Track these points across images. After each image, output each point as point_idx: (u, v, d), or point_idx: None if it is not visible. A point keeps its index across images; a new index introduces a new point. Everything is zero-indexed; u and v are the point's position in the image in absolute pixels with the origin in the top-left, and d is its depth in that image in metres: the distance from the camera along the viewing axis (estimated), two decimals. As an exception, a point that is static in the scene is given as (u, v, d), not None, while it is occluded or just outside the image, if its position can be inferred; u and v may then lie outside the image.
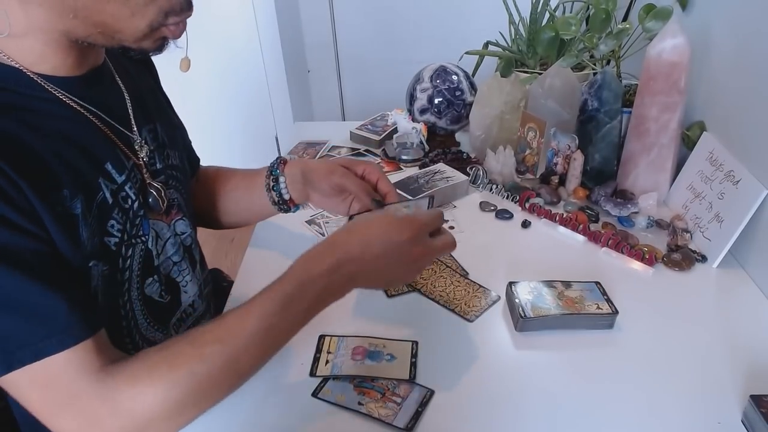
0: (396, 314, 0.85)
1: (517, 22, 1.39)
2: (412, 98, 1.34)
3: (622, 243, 0.96)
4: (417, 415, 0.67)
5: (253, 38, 2.33)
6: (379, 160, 1.30)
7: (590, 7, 1.22)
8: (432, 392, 0.71)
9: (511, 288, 0.84)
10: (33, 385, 0.53)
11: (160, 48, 0.60)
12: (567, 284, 0.85)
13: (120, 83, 0.71)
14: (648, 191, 1.09)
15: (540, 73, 1.25)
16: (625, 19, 1.45)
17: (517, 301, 0.81)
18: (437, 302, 0.86)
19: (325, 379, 0.73)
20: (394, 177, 1.14)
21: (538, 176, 1.18)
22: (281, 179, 0.86)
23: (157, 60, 0.73)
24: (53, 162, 0.57)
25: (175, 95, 0.88)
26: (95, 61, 0.65)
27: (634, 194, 1.10)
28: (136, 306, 0.70)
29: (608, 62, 1.33)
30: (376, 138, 1.36)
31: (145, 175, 0.71)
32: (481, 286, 0.89)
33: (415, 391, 0.71)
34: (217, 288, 0.96)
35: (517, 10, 1.40)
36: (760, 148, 0.89)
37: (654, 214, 1.06)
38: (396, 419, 0.67)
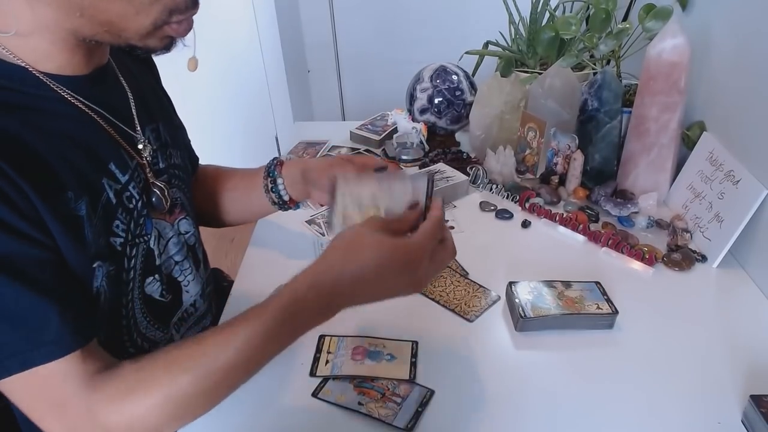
0: (396, 314, 0.85)
1: (517, 22, 1.39)
2: (412, 98, 1.34)
3: (622, 243, 0.96)
4: (417, 415, 0.67)
5: (253, 38, 2.33)
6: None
7: (590, 7, 1.22)
8: (432, 392, 0.71)
9: (511, 288, 0.84)
10: (21, 391, 0.55)
11: (167, 47, 0.60)
12: (567, 284, 0.85)
13: (123, 83, 0.71)
14: (648, 191, 1.09)
15: (540, 73, 1.25)
16: (625, 19, 1.45)
17: (517, 301, 0.81)
18: (437, 302, 0.86)
19: (325, 379, 0.73)
20: (394, 177, 1.14)
21: (538, 176, 1.18)
22: (279, 181, 0.86)
23: (158, 59, 0.73)
24: (57, 163, 0.57)
25: (175, 95, 0.88)
26: (100, 60, 0.66)
27: (634, 194, 1.10)
28: (136, 305, 0.70)
29: (608, 62, 1.33)
30: (376, 138, 1.36)
31: (149, 175, 0.71)
32: (481, 286, 0.89)
33: (415, 391, 0.71)
34: (217, 288, 0.96)
35: (517, 10, 1.40)
36: (760, 148, 0.89)
37: (654, 214, 1.06)
38: (396, 419, 0.67)
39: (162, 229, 0.73)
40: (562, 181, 1.15)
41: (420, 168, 1.23)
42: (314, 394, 0.71)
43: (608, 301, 0.82)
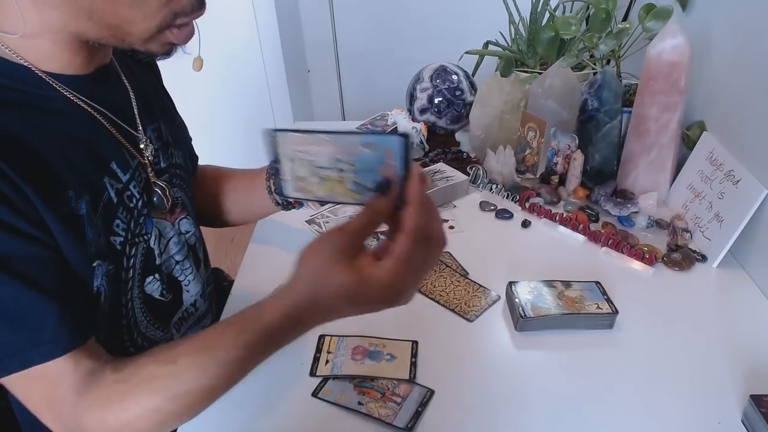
0: (396, 314, 0.84)
1: (517, 22, 1.39)
2: (412, 98, 1.34)
3: (622, 243, 0.96)
4: (417, 415, 0.67)
5: (253, 38, 2.33)
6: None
7: (590, 6, 1.22)
8: (432, 392, 0.71)
9: (511, 288, 0.84)
10: (20, 388, 0.56)
11: (168, 52, 0.61)
12: (567, 284, 0.85)
13: (125, 82, 0.71)
14: (648, 191, 1.09)
15: (540, 73, 1.25)
16: (625, 19, 1.45)
17: (517, 300, 0.81)
18: (437, 302, 0.86)
19: (325, 379, 0.73)
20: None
21: (538, 176, 1.18)
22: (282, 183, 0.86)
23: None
24: (58, 163, 0.57)
25: (175, 95, 0.88)
26: (102, 60, 0.66)
27: (634, 194, 1.10)
28: (136, 304, 0.70)
29: (608, 62, 1.33)
30: (376, 138, 1.36)
31: (150, 175, 0.71)
32: (481, 286, 0.89)
33: (415, 391, 0.71)
34: (217, 287, 0.96)
35: (517, 10, 1.40)
36: (760, 148, 0.89)
37: (654, 214, 1.06)
38: (396, 419, 0.67)
39: (163, 228, 0.73)
40: (562, 181, 1.15)
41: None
42: (314, 394, 0.71)
43: (608, 301, 0.82)
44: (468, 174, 1.16)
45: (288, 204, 0.87)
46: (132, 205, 0.66)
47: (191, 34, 0.60)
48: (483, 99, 1.24)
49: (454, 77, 1.30)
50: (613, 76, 1.08)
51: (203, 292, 0.82)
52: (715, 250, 0.94)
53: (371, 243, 0.58)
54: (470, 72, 1.38)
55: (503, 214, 1.08)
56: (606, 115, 1.08)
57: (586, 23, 1.27)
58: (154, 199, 0.70)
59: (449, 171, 1.16)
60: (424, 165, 1.25)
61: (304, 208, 0.91)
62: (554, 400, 0.70)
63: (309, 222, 1.06)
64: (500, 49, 1.42)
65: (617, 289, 0.86)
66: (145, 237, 0.69)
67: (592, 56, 1.34)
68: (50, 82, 0.59)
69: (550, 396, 0.71)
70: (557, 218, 1.04)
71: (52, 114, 0.59)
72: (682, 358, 0.76)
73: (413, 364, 0.75)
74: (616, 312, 0.80)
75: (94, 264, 0.60)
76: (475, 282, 0.90)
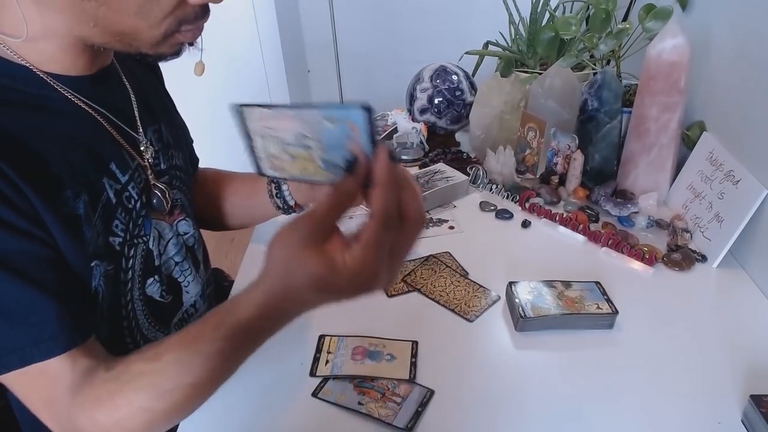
0: (396, 314, 0.85)
1: (517, 22, 1.39)
2: (412, 98, 1.34)
3: (622, 243, 0.96)
4: (417, 415, 0.67)
5: (253, 38, 2.33)
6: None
7: (590, 7, 1.22)
8: (432, 392, 0.71)
9: (511, 288, 0.84)
10: (19, 386, 0.56)
11: (177, 53, 0.60)
12: (567, 284, 0.85)
13: (126, 83, 0.71)
14: (648, 191, 1.09)
15: (540, 73, 1.25)
16: (625, 19, 1.45)
17: (517, 301, 0.81)
18: (437, 302, 0.86)
19: (325, 379, 0.73)
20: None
21: (538, 176, 1.18)
22: (284, 187, 0.86)
23: (159, 59, 0.73)
24: (57, 162, 0.57)
25: (176, 95, 0.88)
26: (104, 61, 0.66)
27: (634, 194, 1.10)
28: (138, 306, 0.70)
29: (608, 62, 1.33)
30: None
31: (150, 176, 0.71)
32: (481, 286, 0.89)
33: (415, 391, 0.71)
34: (217, 288, 0.96)
35: (517, 10, 1.40)
36: (760, 148, 0.89)
37: (654, 214, 1.06)
38: (396, 419, 0.67)
39: (162, 229, 0.73)
40: (562, 181, 1.15)
41: (420, 168, 1.23)
42: (314, 394, 0.71)
43: (608, 301, 0.82)
44: (468, 174, 1.16)
45: (289, 208, 0.87)
46: (131, 206, 0.66)
47: (199, 33, 0.60)
48: (483, 99, 1.24)
49: (454, 77, 1.30)
50: (613, 76, 1.08)
51: (203, 293, 0.82)
52: (715, 250, 0.94)
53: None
54: (470, 72, 1.38)
55: (503, 215, 1.08)
56: (606, 115, 1.08)
57: (586, 23, 1.27)
58: (154, 201, 0.70)
59: (449, 171, 1.16)
60: (424, 165, 1.25)
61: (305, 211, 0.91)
62: (554, 400, 0.70)
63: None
64: (500, 50, 1.42)
65: (617, 289, 0.86)
66: (144, 238, 0.69)
67: (592, 56, 1.34)
68: (51, 82, 0.59)
69: (550, 396, 0.71)
70: (557, 218, 1.04)
71: (52, 114, 0.59)
72: (682, 358, 0.76)
73: (413, 364, 0.75)
74: (616, 312, 0.80)
75: (92, 264, 0.61)
76: (475, 282, 0.90)
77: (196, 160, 0.94)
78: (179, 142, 0.82)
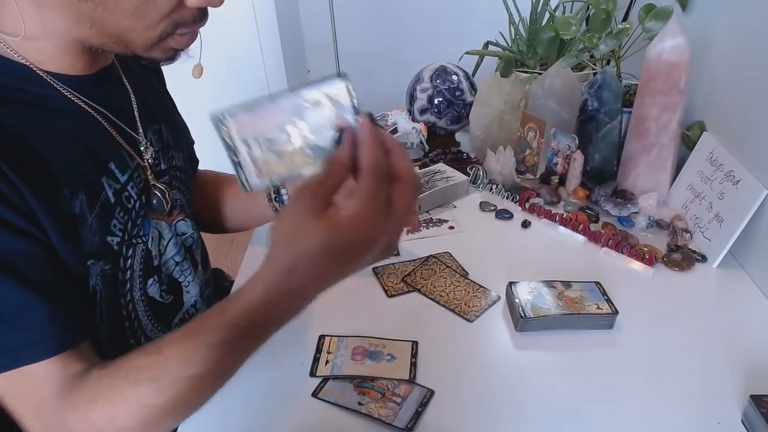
0: (396, 314, 0.85)
1: (517, 22, 1.39)
2: (412, 98, 1.34)
3: (622, 243, 0.96)
4: (417, 415, 0.67)
5: (253, 38, 2.33)
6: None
7: (590, 7, 1.22)
8: (432, 392, 0.71)
9: (511, 288, 0.84)
10: (6, 389, 0.55)
11: (171, 58, 0.60)
12: (567, 284, 0.85)
13: (127, 84, 0.71)
14: (648, 191, 1.09)
15: (540, 73, 1.25)
16: (625, 19, 1.45)
17: (517, 301, 0.81)
18: (437, 302, 0.86)
19: (325, 379, 0.73)
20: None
21: (538, 176, 1.18)
22: (282, 191, 0.86)
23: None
24: (55, 161, 0.57)
25: (176, 95, 0.89)
26: (104, 61, 0.66)
27: (634, 194, 1.10)
28: (139, 306, 0.70)
29: (608, 62, 1.33)
30: (376, 138, 1.36)
31: (150, 177, 0.71)
32: (481, 286, 0.89)
33: (415, 391, 0.71)
34: (218, 288, 0.96)
35: (517, 10, 1.40)
36: (760, 148, 0.89)
37: (654, 214, 1.06)
38: (396, 419, 0.67)
39: (161, 230, 0.73)
40: (562, 181, 1.15)
41: (420, 168, 1.23)
42: (314, 394, 0.71)
43: (608, 301, 0.82)
44: (468, 174, 1.16)
45: None
46: (130, 206, 0.66)
47: (193, 39, 0.60)
48: (483, 99, 1.24)
49: (454, 77, 1.30)
50: (613, 77, 1.08)
51: (202, 293, 0.82)
52: (715, 251, 0.93)
53: None
54: (470, 72, 1.38)
55: (503, 215, 1.08)
56: (606, 115, 1.08)
57: (586, 23, 1.27)
58: (154, 201, 0.70)
59: (449, 171, 1.16)
60: (424, 165, 1.25)
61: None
62: (554, 400, 0.70)
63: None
64: (500, 50, 1.42)
65: (617, 289, 0.86)
66: (143, 238, 0.69)
67: (592, 56, 1.34)
68: (51, 81, 0.59)
69: (550, 396, 0.71)
70: (557, 218, 1.04)
71: (51, 113, 0.59)
72: (682, 358, 0.76)
73: (413, 365, 0.75)
74: (616, 312, 0.80)
75: (88, 263, 0.60)
76: (475, 282, 0.90)
77: (196, 161, 0.94)
78: (179, 142, 0.82)
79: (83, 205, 0.59)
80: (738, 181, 0.92)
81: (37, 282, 0.54)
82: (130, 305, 0.68)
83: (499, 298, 0.87)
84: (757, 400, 0.65)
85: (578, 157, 1.10)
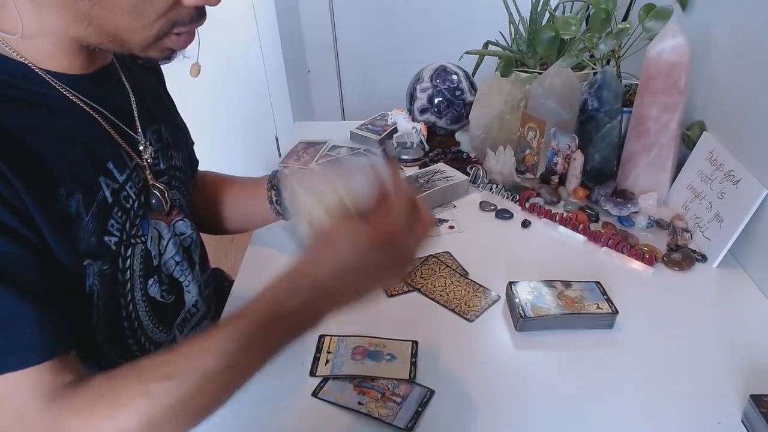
0: (396, 314, 0.85)
1: (517, 22, 1.39)
2: (412, 98, 1.34)
3: (622, 243, 0.96)
4: (417, 415, 0.67)
5: (253, 38, 2.33)
6: (379, 160, 1.30)
7: (590, 7, 1.22)
8: (432, 392, 0.71)
9: (511, 288, 0.84)
10: None
11: (168, 57, 0.60)
12: (567, 284, 0.85)
13: (126, 83, 0.71)
14: (648, 191, 1.09)
15: (540, 73, 1.25)
16: (625, 19, 1.45)
17: (517, 300, 0.81)
18: (437, 302, 0.86)
19: (325, 379, 0.73)
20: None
21: (538, 176, 1.18)
22: (284, 194, 0.86)
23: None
24: (52, 160, 0.57)
25: (175, 95, 0.88)
26: (103, 60, 0.66)
27: (634, 194, 1.10)
28: (140, 307, 0.70)
29: (608, 62, 1.33)
30: (376, 138, 1.36)
31: (149, 176, 0.71)
32: (481, 285, 0.89)
33: (415, 391, 0.71)
34: (218, 288, 0.96)
35: (517, 10, 1.40)
36: (760, 148, 0.89)
37: (654, 214, 1.06)
38: (396, 419, 0.67)
39: (161, 230, 0.73)
40: (562, 181, 1.15)
41: (420, 168, 1.23)
42: (314, 394, 0.71)
43: (608, 300, 0.82)
44: (468, 174, 1.16)
45: (289, 212, 0.87)
46: (128, 205, 0.66)
47: (190, 40, 0.59)
48: (483, 99, 1.24)
49: (454, 77, 1.30)
50: (613, 76, 1.08)
51: (200, 293, 0.82)
52: (715, 250, 0.94)
53: None
54: (470, 72, 1.38)
55: (503, 214, 1.08)
56: (606, 115, 1.08)
57: (586, 23, 1.27)
58: (153, 201, 0.70)
59: (449, 171, 1.16)
60: (424, 165, 1.25)
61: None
62: (554, 400, 0.70)
63: (309, 222, 1.06)
64: (500, 49, 1.42)
65: (617, 289, 0.86)
66: (142, 238, 0.69)
67: (592, 56, 1.34)
68: (49, 80, 0.59)
69: (550, 396, 0.71)
70: (557, 218, 1.04)
71: (50, 112, 0.59)
72: (682, 358, 0.76)
73: (413, 364, 0.75)
74: (616, 312, 0.80)
75: (85, 263, 0.60)
76: (475, 282, 0.90)
77: (196, 162, 0.94)
78: (179, 142, 0.82)
79: (79, 205, 0.59)
80: (738, 181, 0.92)
81: (28, 286, 0.52)
82: (130, 305, 0.68)
83: (499, 297, 0.87)
84: (757, 400, 0.65)
85: (578, 157, 1.10)
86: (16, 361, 0.51)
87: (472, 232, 1.04)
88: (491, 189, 1.15)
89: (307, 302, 0.53)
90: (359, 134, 1.38)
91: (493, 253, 0.99)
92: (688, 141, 1.10)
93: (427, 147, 1.31)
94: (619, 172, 1.13)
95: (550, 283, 0.85)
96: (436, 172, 1.16)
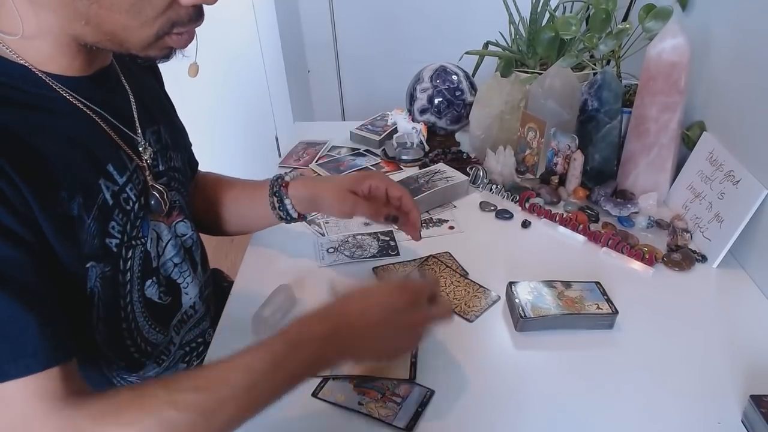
0: (396, 314, 0.84)
1: (517, 22, 1.39)
2: (412, 98, 1.34)
3: (622, 243, 0.96)
4: (417, 415, 0.67)
5: (253, 38, 2.32)
6: (379, 161, 1.30)
7: (590, 7, 1.22)
8: (432, 392, 0.71)
9: (511, 288, 0.84)
10: None
11: (167, 56, 0.60)
12: (567, 284, 0.85)
13: (125, 85, 0.71)
14: (648, 191, 1.09)
15: (540, 73, 1.25)
16: (625, 19, 1.45)
17: (517, 301, 0.81)
18: (437, 302, 0.86)
19: (325, 379, 0.73)
20: (395, 177, 1.14)
21: (538, 176, 1.18)
22: (286, 201, 0.86)
23: (159, 60, 0.73)
24: (54, 162, 0.57)
25: (175, 96, 0.88)
26: (103, 62, 0.66)
27: (634, 194, 1.10)
28: (137, 308, 0.70)
29: (608, 62, 1.33)
30: (376, 138, 1.36)
31: (148, 177, 0.71)
32: (481, 286, 0.89)
33: (415, 391, 0.71)
34: (217, 288, 0.96)
35: (517, 10, 1.40)
36: (760, 148, 0.89)
37: (654, 214, 1.06)
38: (396, 419, 0.67)
39: (160, 231, 0.73)
40: (562, 181, 1.15)
41: (420, 168, 1.23)
42: (314, 394, 0.71)
43: (608, 301, 0.82)
44: (468, 174, 1.16)
45: (292, 219, 0.87)
46: (128, 207, 0.66)
47: (191, 39, 0.59)
48: (483, 99, 1.24)
49: (454, 77, 1.30)
50: (613, 77, 1.08)
51: (201, 294, 0.82)
52: (715, 251, 0.94)
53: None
54: (470, 72, 1.38)
55: (503, 215, 1.08)
56: (606, 115, 1.08)
57: (586, 23, 1.27)
58: (152, 202, 0.70)
59: (449, 171, 1.16)
60: (424, 165, 1.25)
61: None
62: (554, 400, 0.70)
63: (309, 222, 1.06)
64: (500, 50, 1.42)
65: (617, 289, 0.86)
66: (142, 240, 0.69)
67: (592, 56, 1.34)
68: (49, 82, 0.59)
69: (550, 396, 0.71)
70: (557, 218, 1.04)
71: (50, 114, 0.59)
72: (682, 358, 0.76)
73: (413, 364, 0.75)
74: (616, 312, 0.80)
75: (88, 265, 0.60)
76: (475, 282, 0.90)
77: (195, 163, 0.94)
78: (178, 143, 0.82)
79: (81, 208, 0.59)
80: (738, 181, 0.92)
81: (29, 293, 0.52)
82: (128, 307, 0.68)
83: (499, 298, 0.87)
84: (757, 400, 0.65)
85: (578, 157, 1.10)
86: (19, 369, 0.50)
87: (472, 232, 1.04)
88: (491, 189, 1.15)
89: (333, 331, 0.59)
90: (359, 134, 1.38)
91: (493, 254, 0.99)
92: (688, 141, 1.10)
93: (427, 147, 1.31)
94: (619, 172, 1.13)
95: (550, 284, 0.85)
96: (436, 173, 1.16)
